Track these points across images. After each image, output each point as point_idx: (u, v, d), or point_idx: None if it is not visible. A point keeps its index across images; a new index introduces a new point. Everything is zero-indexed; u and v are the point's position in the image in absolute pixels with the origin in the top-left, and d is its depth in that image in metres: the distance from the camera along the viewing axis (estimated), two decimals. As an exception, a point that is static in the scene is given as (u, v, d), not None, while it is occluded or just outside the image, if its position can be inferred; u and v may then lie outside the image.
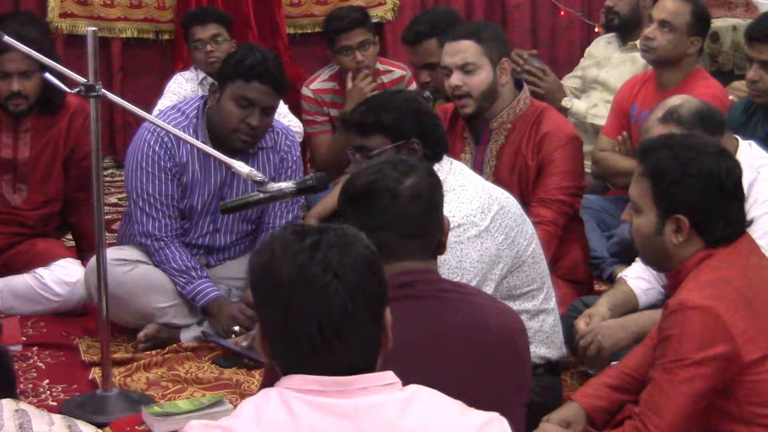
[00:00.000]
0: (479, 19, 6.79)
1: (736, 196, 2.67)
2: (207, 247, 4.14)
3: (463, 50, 3.91)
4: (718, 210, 2.63)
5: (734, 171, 2.67)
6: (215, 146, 3.69)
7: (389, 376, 1.82)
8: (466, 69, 3.90)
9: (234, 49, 4.48)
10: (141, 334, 3.97)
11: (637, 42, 5.34)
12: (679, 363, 2.53)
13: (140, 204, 3.99)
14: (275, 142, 4.12)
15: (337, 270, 1.79)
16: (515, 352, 2.53)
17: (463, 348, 2.40)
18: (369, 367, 1.82)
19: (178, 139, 3.90)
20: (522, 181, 3.93)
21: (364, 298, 1.81)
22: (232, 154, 3.69)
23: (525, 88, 4.02)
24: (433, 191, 2.55)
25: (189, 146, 3.94)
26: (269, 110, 3.95)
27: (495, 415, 1.87)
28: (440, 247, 2.57)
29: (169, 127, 3.61)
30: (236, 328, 3.91)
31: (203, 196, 4.04)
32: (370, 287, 1.83)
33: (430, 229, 2.52)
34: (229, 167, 3.56)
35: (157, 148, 3.96)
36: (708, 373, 2.52)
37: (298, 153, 4.22)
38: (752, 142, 3.52)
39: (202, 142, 3.78)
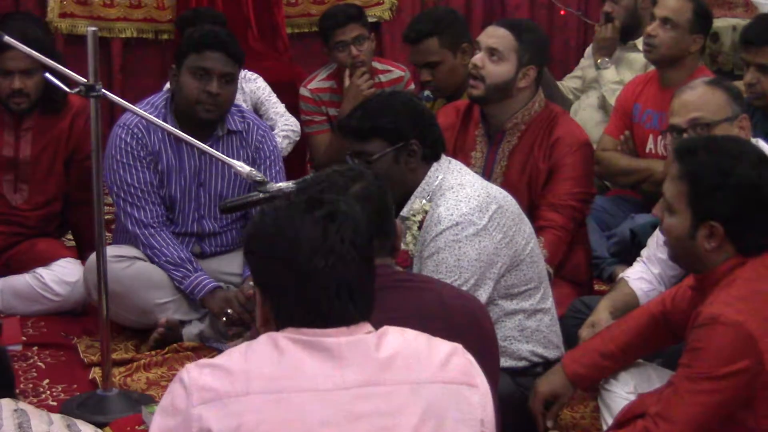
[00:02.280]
0: (478, 20, 6.79)
1: None
2: (198, 234, 4.17)
3: (498, 36, 3.90)
4: (754, 220, 2.60)
5: None
6: (186, 133, 3.69)
7: (366, 326, 1.97)
8: (491, 54, 3.88)
9: None
10: (156, 336, 3.97)
11: (637, 42, 5.37)
12: (703, 375, 2.52)
13: (122, 196, 4.04)
14: (246, 130, 4.16)
15: (354, 239, 1.95)
16: (480, 332, 2.56)
17: (423, 330, 2.41)
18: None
19: (148, 128, 4.00)
20: (532, 183, 3.91)
21: (370, 265, 2.00)
22: (203, 139, 3.78)
23: (539, 91, 4.00)
24: (382, 195, 2.60)
25: (160, 134, 4.02)
26: (227, 77, 4.00)
27: (458, 347, 2.04)
28: (394, 251, 2.62)
29: (149, 116, 3.63)
30: (229, 310, 3.91)
31: (180, 183, 4.09)
32: (373, 252, 2.01)
33: (383, 229, 2.56)
34: (202, 152, 3.67)
35: (129, 140, 4.03)
36: (730, 387, 2.51)
37: (274, 144, 4.24)
38: (759, 139, 3.51)
39: None
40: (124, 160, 4.02)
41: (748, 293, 2.55)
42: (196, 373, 1.89)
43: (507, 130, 3.95)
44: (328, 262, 1.91)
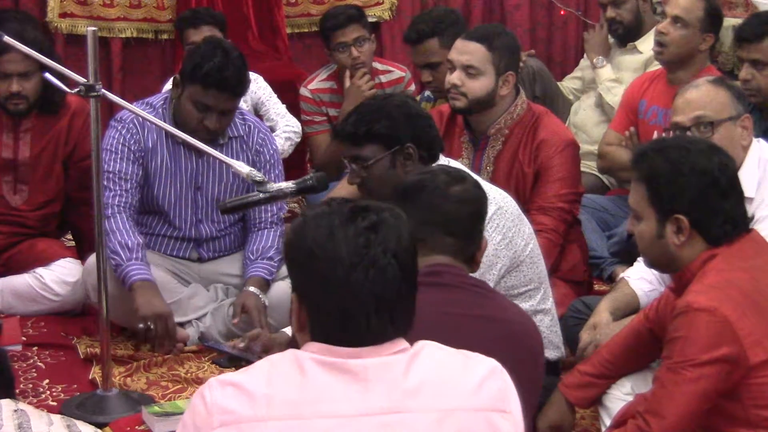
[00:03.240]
0: (478, 20, 6.79)
1: (733, 191, 2.67)
2: (195, 239, 4.15)
3: (471, 52, 3.89)
4: (715, 206, 2.63)
5: (727, 166, 2.67)
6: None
7: (400, 343, 1.89)
8: (468, 71, 3.88)
9: None
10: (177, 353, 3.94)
11: (636, 43, 5.37)
12: (684, 363, 2.54)
13: (103, 182, 3.98)
14: (247, 134, 4.15)
15: (396, 251, 1.86)
16: (533, 353, 2.60)
17: (482, 337, 2.43)
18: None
19: (143, 125, 3.99)
20: (519, 187, 3.91)
21: (412, 279, 1.90)
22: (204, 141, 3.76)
23: (521, 93, 4.00)
24: (480, 202, 2.67)
25: (155, 135, 4.01)
26: (228, 111, 4.00)
27: (497, 366, 1.94)
28: (474, 264, 2.65)
29: (150, 116, 3.63)
30: (150, 325, 3.79)
31: (176, 186, 4.08)
32: (416, 268, 1.92)
33: (471, 234, 2.62)
34: (200, 155, 3.68)
35: (123, 132, 4.03)
36: (713, 374, 2.52)
37: (274, 147, 4.23)
38: (761, 139, 3.51)
39: None
40: (112, 150, 4.00)
41: (719, 281, 2.58)
42: (218, 393, 1.86)
43: (491, 136, 3.95)
44: (368, 275, 1.84)
